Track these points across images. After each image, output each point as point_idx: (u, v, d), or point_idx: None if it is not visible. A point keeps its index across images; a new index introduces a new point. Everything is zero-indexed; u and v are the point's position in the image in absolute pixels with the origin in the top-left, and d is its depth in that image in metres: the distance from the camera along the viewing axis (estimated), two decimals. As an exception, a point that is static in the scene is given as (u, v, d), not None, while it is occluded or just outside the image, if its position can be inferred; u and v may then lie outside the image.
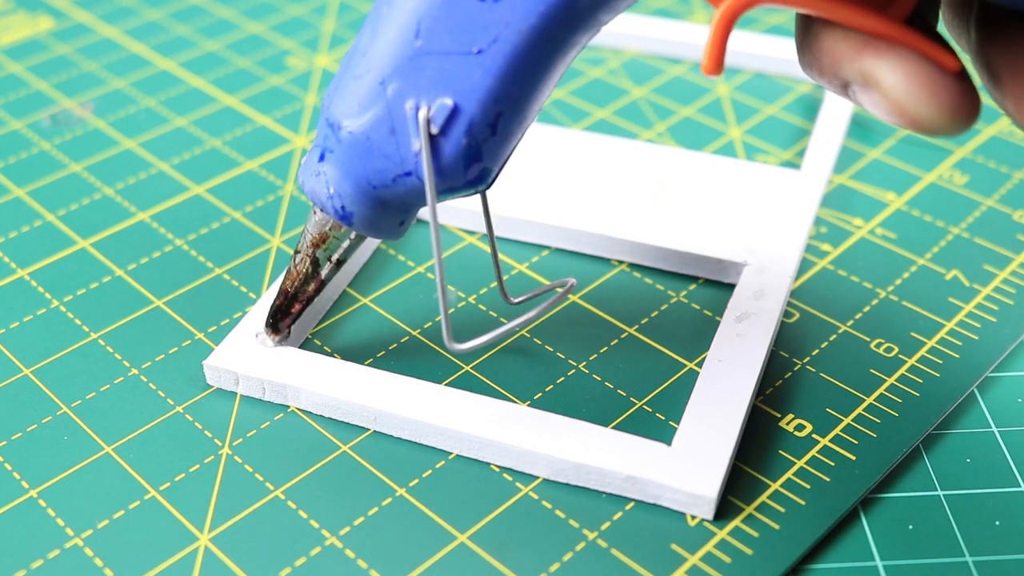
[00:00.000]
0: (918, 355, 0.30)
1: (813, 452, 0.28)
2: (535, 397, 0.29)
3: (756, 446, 0.28)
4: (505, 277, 0.33)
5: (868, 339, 0.31)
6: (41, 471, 0.27)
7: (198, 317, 0.32)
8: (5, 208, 0.36)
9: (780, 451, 0.28)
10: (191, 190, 0.37)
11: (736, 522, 0.26)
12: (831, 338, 0.31)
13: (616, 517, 0.26)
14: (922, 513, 0.26)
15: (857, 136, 0.39)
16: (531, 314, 0.27)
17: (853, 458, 0.27)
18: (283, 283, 0.29)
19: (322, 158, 0.26)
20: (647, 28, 0.44)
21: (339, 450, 0.28)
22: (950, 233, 0.34)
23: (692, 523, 0.26)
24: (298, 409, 0.29)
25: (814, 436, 0.28)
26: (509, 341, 0.31)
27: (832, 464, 0.27)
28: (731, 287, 0.32)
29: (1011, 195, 0.36)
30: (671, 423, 0.28)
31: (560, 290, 0.29)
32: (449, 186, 0.25)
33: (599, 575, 0.25)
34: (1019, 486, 0.27)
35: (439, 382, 0.29)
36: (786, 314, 0.31)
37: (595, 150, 0.37)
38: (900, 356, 0.30)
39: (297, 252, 0.28)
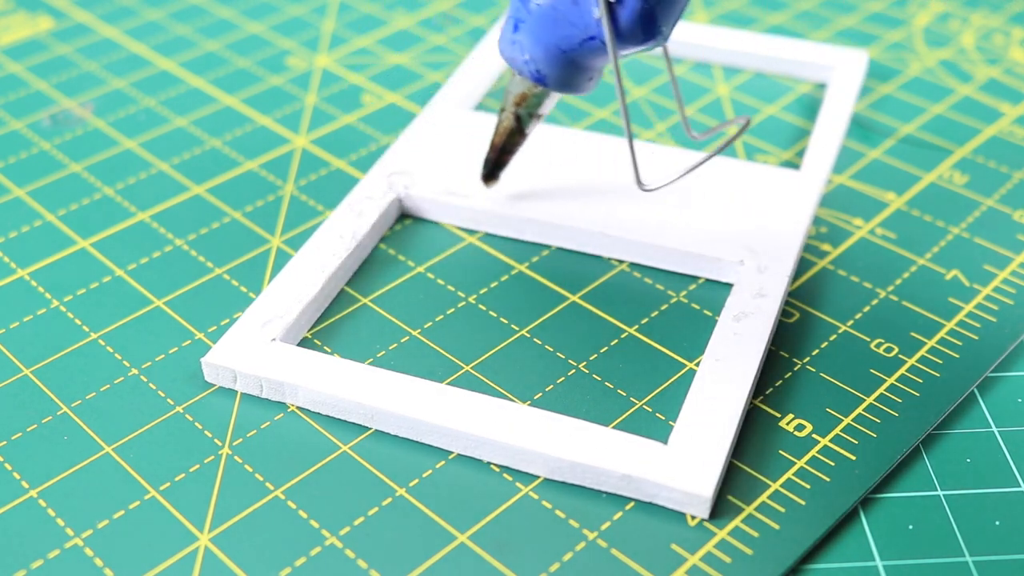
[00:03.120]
0: (918, 355, 0.30)
1: (813, 452, 0.28)
2: (535, 397, 0.29)
3: (756, 446, 0.28)
4: (504, 277, 0.33)
5: (868, 339, 0.31)
6: (41, 471, 0.27)
7: (198, 317, 0.32)
8: (5, 208, 0.36)
9: (780, 451, 0.28)
10: (191, 190, 0.37)
11: (736, 522, 0.26)
12: (831, 338, 0.31)
13: (616, 517, 0.26)
14: (922, 513, 0.26)
15: (857, 136, 0.39)
16: (712, 150, 0.29)
17: (853, 458, 0.27)
18: (493, 139, 0.33)
19: (516, 28, 0.29)
20: (647, 28, 0.44)
21: (339, 450, 0.28)
22: (950, 233, 0.34)
23: (692, 523, 0.26)
24: (298, 409, 0.29)
25: (814, 436, 0.28)
26: (510, 341, 0.31)
27: (832, 464, 0.27)
28: (730, 287, 0.32)
29: (1011, 195, 0.36)
30: (671, 423, 0.28)
31: (735, 127, 0.31)
32: (629, 44, 0.28)
33: (599, 575, 0.25)
34: (1019, 486, 0.27)
35: (439, 382, 0.29)
36: (786, 314, 0.31)
37: (595, 150, 0.37)
38: (900, 356, 0.30)
39: (502, 110, 0.32)
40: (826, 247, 0.34)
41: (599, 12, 0.28)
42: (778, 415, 0.29)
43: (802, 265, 0.33)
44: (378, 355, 0.30)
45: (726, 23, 0.46)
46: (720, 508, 0.26)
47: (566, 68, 0.30)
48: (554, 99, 0.32)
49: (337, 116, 0.40)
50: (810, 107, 0.41)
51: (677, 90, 0.32)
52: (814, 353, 0.30)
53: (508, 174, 0.35)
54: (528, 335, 0.31)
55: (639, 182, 0.29)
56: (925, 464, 0.28)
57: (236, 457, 0.28)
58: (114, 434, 0.28)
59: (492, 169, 0.34)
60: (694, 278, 0.33)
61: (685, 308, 0.32)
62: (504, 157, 0.33)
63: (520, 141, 0.33)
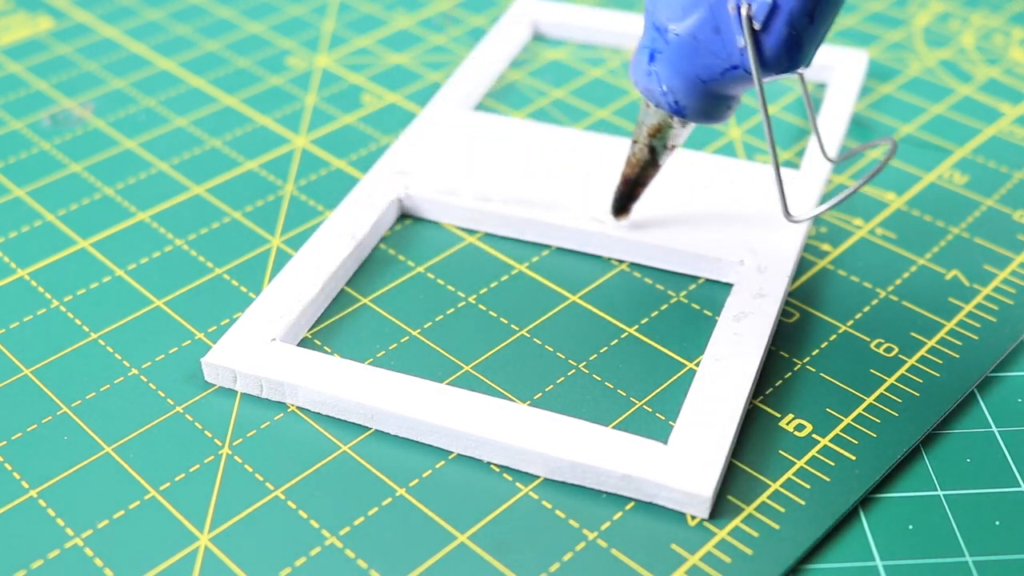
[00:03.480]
0: (918, 355, 0.30)
1: (813, 452, 0.28)
2: (535, 397, 0.29)
3: (756, 446, 0.28)
4: (504, 277, 0.33)
5: (868, 339, 0.31)
6: (41, 471, 0.27)
7: (198, 317, 0.32)
8: (5, 208, 0.36)
9: (780, 451, 0.28)
10: (191, 190, 0.37)
11: (736, 522, 0.26)
12: (831, 338, 0.31)
13: (616, 517, 0.26)
14: (922, 513, 0.26)
15: (857, 136, 0.39)
16: (863, 179, 0.28)
17: (853, 458, 0.27)
18: (624, 172, 0.32)
19: (652, 59, 0.29)
20: (647, 28, 0.44)
21: (339, 450, 0.28)
22: (950, 233, 0.34)
23: (692, 523, 0.26)
24: (298, 409, 0.29)
25: (814, 436, 0.28)
26: (510, 341, 0.31)
27: (832, 464, 0.27)
28: (730, 287, 0.32)
29: (1011, 195, 0.36)
30: (671, 423, 0.28)
31: (880, 149, 0.31)
32: (773, 72, 0.27)
33: (599, 575, 0.25)
34: (1019, 486, 0.27)
35: (439, 382, 0.29)
36: (786, 314, 0.31)
37: (595, 150, 0.37)
38: (900, 356, 0.30)
39: (635, 142, 0.31)
40: (826, 247, 0.34)
41: (744, 41, 0.27)
42: (778, 415, 0.29)
43: (802, 265, 0.33)
44: (378, 355, 0.30)
45: (726, 23, 0.46)
46: (720, 508, 0.26)
47: (706, 98, 0.29)
48: (689, 128, 0.30)
49: (337, 116, 0.40)
50: (810, 107, 0.40)
51: (811, 111, 0.31)
52: (814, 353, 0.30)
53: (508, 174, 0.35)
54: (528, 335, 0.31)
55: (786, 212, 0.28)
56: (925, 464, 0.28)
57: (236, 457, 0.28)
58: (114, 434, 0.28)
59: (624, 203, 0.32)
60: (694, 278, 0.33)
61: (685, 308, 0.32)
62: (637, 190, 0.32)
63: (654, 173, 0.32)
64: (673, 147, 0.31)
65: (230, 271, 0.33)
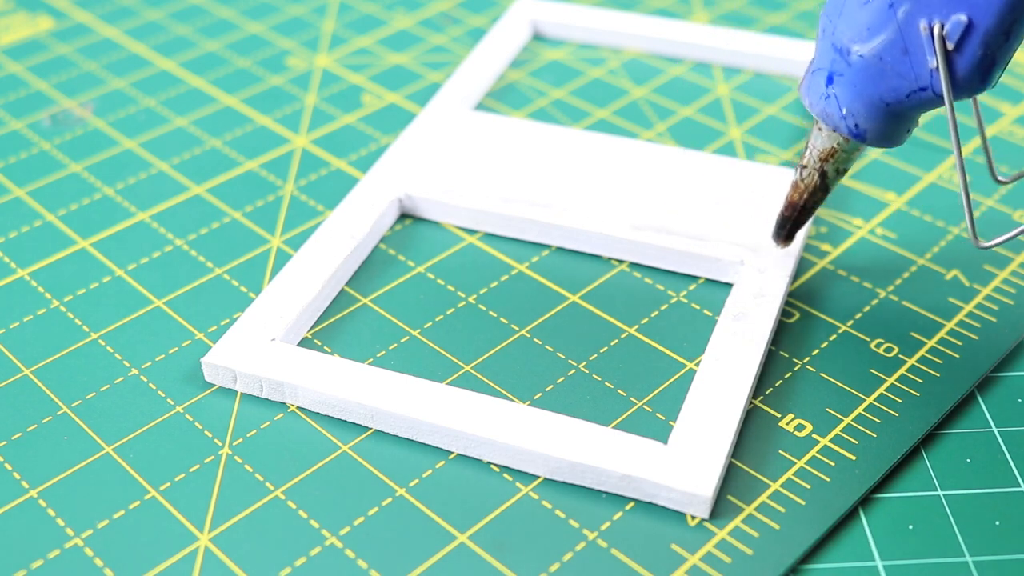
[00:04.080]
0: (918, 355, 0.30)
1: (813, 452, 0.28)
2: (535, 397, 0.29)
3: (756, 446, 0.28)
4: (504, 277, 0.33)
5: (868, 339, 0.31)
6: (41, 471, 0.27)
7: (198, 317, 0.32)
8: (5, 208, 0.36)
9: (780, 451, 0.28)
10: (191, 190, 0.37)
11: (736, 522, 0.26)
12: (831, 338, 0.31)
13: (616, 517, 0.26)
14: (922, 513, 0.26)
15: (857, 136, 0.39)
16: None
17: (853, 458, 0.27)
18: (789, 196, 0.30)
19: (831, 81, 0.28)
20: (647, 28, 0.44)
21: (339, 450, 0.28)
22: (950, 233, 0.34)
23: (692, 523, 0.26)
24: (298, 409, 0.29)
25: (814, 436, 0.28)
26: (510, 341, 0.31)
27: (832, 464, 0.27)
28: (730, 287, 0.32)
29: (1011, 195, 0.36)
30: (671, 423, 0.28)
31: None
32: (963, 94, 0.26)
33: (599, 575, 0.25)
34: (1019, 486, 0.27)
35: (439, 382, 0.29)
36: (786, 314, 0.31)
37: (595, 150, 0.37)
38: (900, 356, 0.30)
39: (804, 167, 0.30)
40: (826, 247, 0.34)
41: (935, 62, 0.26)
42: (778, 415, 0.29)
43: (802, 265, 0.33)
44: (378, 355, 0.30)
45: (726, 23, 0.46)
46: (720, 508, 0.26)
47: (888, 121, 0.28)
48: (863, 151, 0.30)
49: (337, 116, 0.40)
50: (810, 107, 0.40)
51: (983, 130, 0.30)
52: (814, 353, 0.30)
53: (508, 174, 0.35)
54: (528, 335, 0.31)
55: (975, 237, 0.27)
56: (925, 464, 0.28)
57: (236, 457, 0.28)
58: (114, 434, 0.28)
59: (791, 229, 0.31)
60: (694, 278, 0.33)
61: (685, 308, 0.32)
62: (803, 216, 0.31)
63: (823, 198, 0.30)
64: (845, 171, 0.30)
65: (230, 271, 0.33)
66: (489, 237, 0.34)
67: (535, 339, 0.31)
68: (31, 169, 0.38)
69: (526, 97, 0.41)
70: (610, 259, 0.33)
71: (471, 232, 0.35)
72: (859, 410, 0.29)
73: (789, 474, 0.27)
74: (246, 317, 0.30)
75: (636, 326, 0.31)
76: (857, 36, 0.27)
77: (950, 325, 0.31)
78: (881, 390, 0.29)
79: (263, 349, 0.29)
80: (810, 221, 0.31)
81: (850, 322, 0.31)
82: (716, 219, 0.34)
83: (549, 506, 0.26)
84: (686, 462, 0.26)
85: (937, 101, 0.26)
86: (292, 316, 0.30)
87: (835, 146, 0.29)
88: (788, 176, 0.35)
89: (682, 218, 0.34)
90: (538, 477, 0.27)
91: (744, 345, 0.29)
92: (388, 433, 0.28)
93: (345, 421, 0.29)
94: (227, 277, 0.33)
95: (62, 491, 0.27)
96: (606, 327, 0.31)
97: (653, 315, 0.32)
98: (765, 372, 0.30)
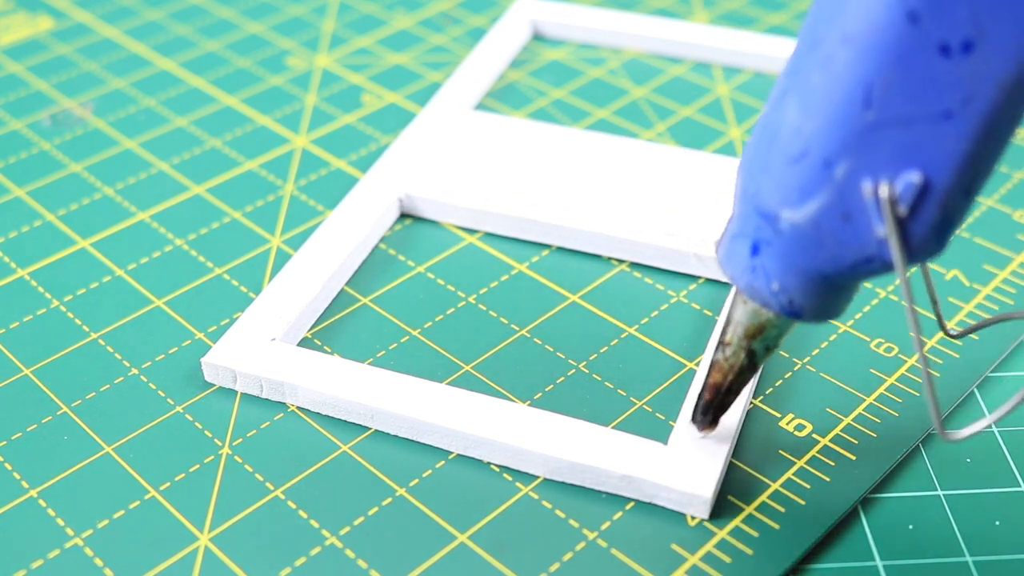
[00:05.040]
0: (918, 355, 0.30)
1: (813, 452, 0.28)
2: (535, 397, 0.29)
3: (756, 446, 0.28)
4: (504, 277, 0.33)
5: (868, 339, 0.31)
6: (41, 471, 0.27)
7: (198, 317, 0.32)
8: (5, 208, 0.36)
9: (780, 451, 0.28)
10: (191, 190, 0.37)
11: (736, 522, 0.26)
12: (831, 338, 0.31)
13: (616, 517, 0.26)
14: (922, 513, 0.26)
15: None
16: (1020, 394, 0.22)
17: (853, 458, 0.27)
18: (710, 377, 0.26)
19: (756, 251, 0.23)
20: (647, 28, 0.44)
21: (339, 450, 0.28)
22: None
23: (692, 523, 0.26)
24: (298, 409, 0.29)
25: (814, 436, 0.28)
26: (510, 341, 0.31)
27: (832, 464, 0.27)
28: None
29: (1011, 195, 0.36)
30: (671, 423, 0.28)
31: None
32: (916, 261, 0.22)
33: (599, 575, 0.25)
34: (1019, 486, 0.27)
35: (439, 382, 0.29)
36: (786, 314, 0.31)
37: (595, 150, 0.37)
38: (900, 356, 0.30)
39: (726, 345, 0.25)
40: (826, 247, 0.34)
41: (884, 230, 0.21)
42: (778, 415, 0.29)
43: (802, 265, 0.33)
44: (378, 355, 0.30)
45: (726, 23, 0.46)
46: (720, 508, 0.26)
47: (828, 294, 0.23)
48: (795, 324, 0.25)
49: (337, 116, 0.40)
50: (810, 107, 0.40)
51: (932, 290, 0.25)
52: (814, 353, 0.30)
53: (508, 174, 0.35)
54: (528, 335, 0.31)
55: (941, 429, 0.23)
56: (925, 464, 0.28)
57: (236, 457, 0.28)
58: (114, 434, 0.28)
59: (715, 414, 0.26)
60: (694, 278, 0.33)
61: (685, 308, 0.32)
62: (728, 399, 0.26)
63: (751, 377, 0.26)
64: (777, 347, 0.25)
65: (230, 271, 0.33)
66: (489, 237, 0.34)
67: (535, 339, 0.31)
68: (31, 169, 0.38)
69: (526, 97, 0.41)
70: (610, 259, 0.34)
71: (471, 232, 0.35)
72: (859, 410, 0.29)
73: (789, 474, 0.27)
74: (246, 317, 0.30)
75: (636, 326, 0.31)
76: (787, 199, 0.22)
77: (950, 325, 0.31)
78: (881, 390, 0.29)
79: (263, 349, 0.29)
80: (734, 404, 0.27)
81: (850, 322, 0.31)
82: (716, 219, 0.34)
83: (549, 506, 0.26)
84: (686, 462, 0.26)
85: (887, 270, 0.22)
86: (292, 316, 0.30)
87: (764, 323, 0.24)
88: (788, 176, 0.35)
89: (682, 218, 0.34)
90: (538, 477, 0.27)
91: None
92: (388, 433, 0.28)
93: (345, 421, 0.29)
94: (227, 277, 0.33)
95: (62, 491, 0.27)
96: (606, 327, 0.31)
97: (653, 315, 0.32)
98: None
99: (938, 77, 0.20)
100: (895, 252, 0.21)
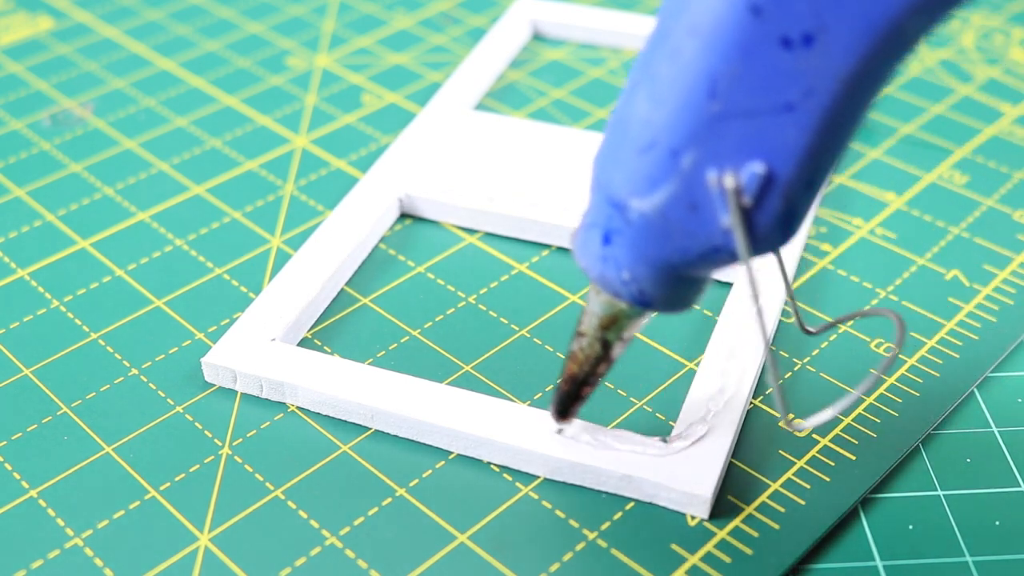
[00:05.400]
0: (918, 355, 0.30)
1: (813, 452, 0.28)
2: (535, 397, 0.29)
3: (756, 446, 0.28)
4: (504, 277, 0.33)
5: (868, 339, 0.31)
6: (41, 471, 0.27)
7: (198, 317, 0.32)
8: (5, 208, 0.36)
9: (780, 451, 0.28)
10: (191, 190, 0.37)
11: (736, 522, 0.26)
12: (831, 338, 0.31)
13: (616, 517, 0.26)
14: (922, 513, 0.26)
15: (857, 136, 0.39)
16: (871, 379, 0.23)
17: (853, 458, 0.27)
18: (567, 368, 0.26)
19: (607, 240, 0.23)
20: (647, 28, 0.44)
21: (339, 450, 0.28)
22: (950, 233, 0.34)
23: (692, 523, 0.26)
24: (298, 409, 0.29)
25: (814, 436, 0.28)
26: (510, 341, 0.31)
27: (832, 464, 0.27)
28: (730, 286, 0.32)
29: (1011, 195, 0.36)
30: (671, 423, 0.28)
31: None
32: (762, 251, 0.22)
33: (599, 575, 0.25)
34: (1019, 486, 0.27)
35: (439, 382, 0.29)
36: (786, 314, 0.31)
37: (595, 150, 0.37)
38: (900, 356, 0.30)
39: (581, 335, 0.25)
40: (826, 247, 0.34)
41: (729, 220, 0.21)
42: (778, 415, 0.29)
43: (802, 265, 0.33)
44: (378, 355, 0.30)
45: (726, 23, 0.46)
46: (720, 508, 0.26)
47: (678, 285, 0.23)
48: (650, 315, 0.25)
49: (337, 116, 0.40)
50: (810, 107, 0.40)
51: (787, 280, 0.26)
52: (814, 353, 0.30)
53: (508, 174, 0.35)
54: (528, 335, 0.31)
55: (786, 419, 0.24)
56: (925, 464, 0.28)
57: (236, 457, 0.28)
58: (114, 434, 0.28)
59: (569, 404, 0.26)
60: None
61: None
62: (584, 390, 0.26)
63: (606, 369, 0.26)
64: (631, 338, 0.25)
65: (230, 271, 0.33)
66: (489, 237, 0.34)
67: (535, 339, 0.31)
68: (31, 169, 0.38)
69: (526, 97, 0.41)
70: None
71: (471, 232, 0.35)
72: (859, 410, 0.29)
73: (789, 474, 0.27)
74: (246, 317, 0.30)
75: (636, 326, 0.31)
76: (636, 189, 0.22)
77: (950, 325, 0.31)
78: (881, 390, 0.29)
79: (263, 349, 0.29)
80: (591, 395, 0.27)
81: (850, 322, 0.31)
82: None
83: (549, 506, 0.26)
84: (686, 463, 0.26)
85: (734, 260, 0.22)
86: (292, 316, 0.30)
87: (616, 313, 0.24)
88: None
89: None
90: (538, 477, 0.27)
91: (744, 345, 0.29)
92: (388, 433, 0.28)
93: (345, 421, 0.29)
94: (227, 277, 0.33)
95: (62, 491, 0.27)
96: (606, 327, 0.31)
97: (653, 315, 0.32)
98: (765, 372, 0.30)
99: (780, 70, 0.20)
100: (740, 242, 0.21)
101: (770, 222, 0.21)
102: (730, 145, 0.21)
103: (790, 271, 0.32)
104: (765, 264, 0.32)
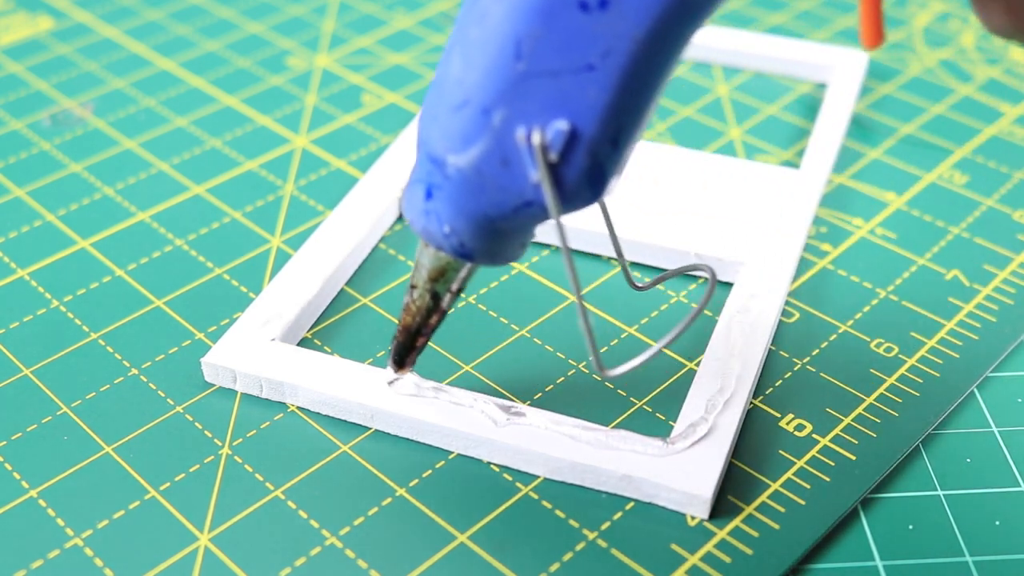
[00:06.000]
0: (918, 355, 0.30)
1: (813, 452, 0.28)
2: (535, 397, 0.29)
3: (756, 446, 0.28)
4: (504, 277, 0.33)
5: (868, 339, 0.31)
6: (41, 471, 0.27)
7: (198, 317, 0.32)
8: (5, 208, 0.36)
9: (780, 451, 0.28)
10: (191, 190, 0.37)
11: (736, 522, 0.26)
12: (831, 338, 0.31)
13: (616, 517, 0.26)
14: (922, 513, 0.26)
15: (857, 136, 0.39)
16: (676, 329, 0.25)
17: (853, 458, 0.27)
18: (402, 319, 0.27)
19: (429, 195, 0.24)
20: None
21: (339, 450, 0.28)
22: (950, 233, 0.34)
23: (692, 523, 0.26)
24: (298, 409, 0.29)
25: (814, 436, 0.28)
26: (510, 341, 0.31)
27: (832, 464, 0.27)
28: (730, 286, 0.32)
29: (1011, 195, 0.36)
30: (671, 423, 0.28)
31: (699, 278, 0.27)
32: (573, 206, 0.23)
33: (599, 575, 0.25)
34: (1019, 486, 0.27)
35: (439, 381, 0.29)
36: (786, 314, 0.31)
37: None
38: (900, 356, 0.30)
39: (413, 287, 0.26)
40: (826, 247, 0.34)
41: (538, 175, 0.22)
42: (778, 415, 0.29)
43: (802, 265, 0.33)
44: (378, 355, 0.30)
45: (726, 23, 0.46)
46: (720, 508, 0.26)
47: (495, 238, 0.24)
48: (476, 267, 0.26)
49: (337, 116, 0.40)
50: (810, 107, 0.41)
51: (615, 238, 0.27)
52: (814, 353, 0.30)
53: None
54: (528, 335, 0.31)
55: (599, 366, 0.24)
56: (925, 464, 0.28)
57: (236, 457, 0.28)
58: (114, 434, 0.28)
59: (405, 355, 0.28)
60: (694, 278, 0.33)
61: (685, 308, 0.32)
62: (419, 340, 0.27)
63: (439, 320, 0.27)
64: (460, 290, 0.26)
65: (230, 271, 0.33)
66: (489, 237, 0.34)
67: (535, 339, 0.31)
68: (31, 169, 0.38)
69: (526, 97, 0.41)
70: (610, 259, 0.33)
71: (471, 232, 0.35)
72: (859, 410, 0.29)
73: (789, 474, 0.27)
74: (246, 317, 0.30)
75: (636, 326, 0.31)
76: (452, 146, 0.23)
77: (950, 325, 0.31)
78: (881, 390, 0.29)
79: (263, 349, 0.29)
80: (425, 345, 0.28)
81: (850, 322, 0.31)
82: (716, 219, 0.34)
83: (549, 506, 0.26)
84: (686, 463, 0.26)
85: (546, 215, 0.23)
86: (292, 316, 0.30)
87: (444, 265, 0.26)
88: (788, 176, 0.35)
89: (682, 218, 0.34)
90: (538, 477, 0.27)
91: (744, 345, 0.29)
92: (388, 433, 0.28)
93: (345, 421, 0.29)
94: (227, 277, 0.33)
95: (62, 491, 0.27)
96: (606, 327, 0.31)
97: (653, 315, 0.32)
98: (765, 372, 0.30)
99: (580, 32, 0.21)
100: (548, 196, 0.22)
101: (577, 178, 0.23)
102: (536, 103, 0.22)
103: (790, 271, 0.32)
104: (765, 264, 0.32)
